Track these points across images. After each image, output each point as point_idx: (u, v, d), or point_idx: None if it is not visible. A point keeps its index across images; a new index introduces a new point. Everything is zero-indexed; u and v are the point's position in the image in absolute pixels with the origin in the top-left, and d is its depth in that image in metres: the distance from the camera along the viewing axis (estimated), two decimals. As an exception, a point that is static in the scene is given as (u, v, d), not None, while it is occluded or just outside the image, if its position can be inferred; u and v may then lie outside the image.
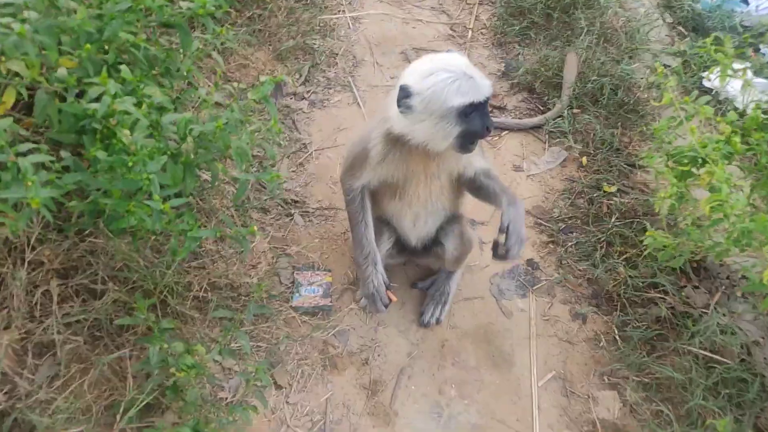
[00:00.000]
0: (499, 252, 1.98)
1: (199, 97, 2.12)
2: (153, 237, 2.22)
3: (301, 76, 3.38)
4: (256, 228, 2.60)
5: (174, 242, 1.88)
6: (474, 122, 1.80)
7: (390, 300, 2.19)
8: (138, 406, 1.82)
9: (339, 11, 3.85)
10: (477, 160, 2.08)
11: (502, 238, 1.96)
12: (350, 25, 3.78)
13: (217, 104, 2.50)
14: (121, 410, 1.87)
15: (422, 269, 2.63)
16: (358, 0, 3.97)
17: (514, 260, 2.01)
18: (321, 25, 3.70)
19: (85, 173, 1.80)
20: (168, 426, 1.91)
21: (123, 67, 1.77)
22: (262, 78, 1.98)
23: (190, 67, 2.25)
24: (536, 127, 3.26)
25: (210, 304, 2.24)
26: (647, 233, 2.03)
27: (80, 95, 1.79)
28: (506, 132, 3.25)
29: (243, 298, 2.34)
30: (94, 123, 1.72)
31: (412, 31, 3.83)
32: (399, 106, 1.81)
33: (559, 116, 3.21)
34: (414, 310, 2.50)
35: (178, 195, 1.89)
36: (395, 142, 1.96)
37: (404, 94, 1.79)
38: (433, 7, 4.03)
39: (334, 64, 3.47)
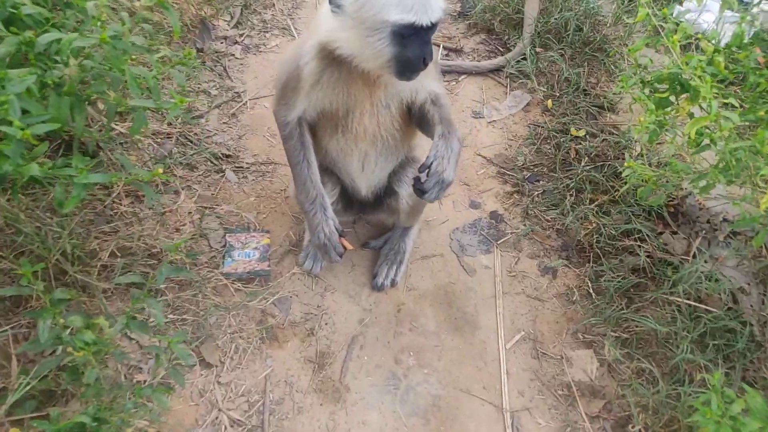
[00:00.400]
0: (417, 188, 1.66)
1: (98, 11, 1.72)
2: (47, 195, 1.86)
3: (232, 18, 3.00)
4: (171, 177, 2.26)
5: (60, 191, 1.53)
6: (410, 48, 1.49)
7: (344, 248, 1.86)
8: (20, 391, 1.48)
9: (274, -51, 3.46)
10: (430, 83, 1.74)
11: (423, 176, 1.64)
12: (289, -37, 3.39)
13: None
14: (7, 399, 1.53)
15: (374, 227, 2.34)
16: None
17: (433, 201, 1.69)
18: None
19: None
20: (67, 415, 1.58)
21: None
22: None
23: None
24: (496, 70, 2.97)
25: (118, 269, 1.89)
26: (626, 163, 1.77)
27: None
28: (464, 76, 2.95)
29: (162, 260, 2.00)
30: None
31: (358, -28, 3.47)
32: (330, 2, 1.49)
33: (522, 57, 2.93)
34: (365, 272, 2.21)
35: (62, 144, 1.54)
36: (331, 59, 1.62)
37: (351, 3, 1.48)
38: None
39: (271, 5, 3.10)
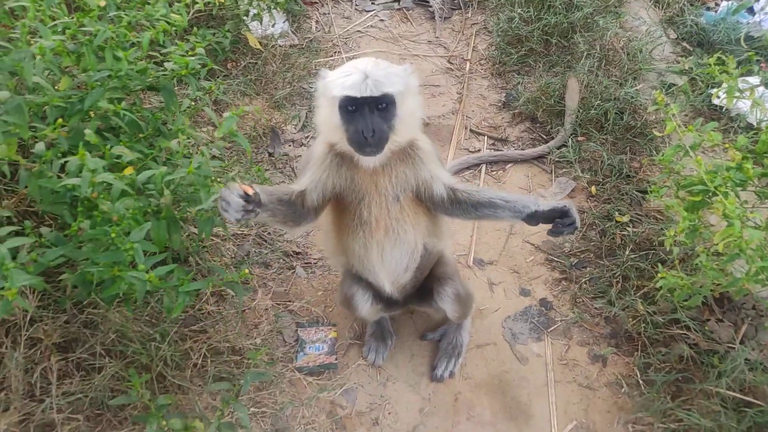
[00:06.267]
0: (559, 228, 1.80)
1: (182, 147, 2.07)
2: (147, 305, 2.18)
3: (299, 121, 3.35)
4: (251, 283, 2.55)
5: (167, 300, 1.83)
6: (356, 123, 1.70)
7: (245, 192, 1.63)
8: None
9: (334, 53, 3.84)
10: (442, 173, 1.93)
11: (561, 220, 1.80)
12: (347, 66, 3.75)
13: (214, 157, 2.47)
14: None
15: (431, 319, 2.53)
16: (353, 40, 3.96)
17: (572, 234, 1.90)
18: (317, 68, 3.68)
19: (67, 247, 1.77)
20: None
21: (87, 131, 1.74)
22: (226, 114, 1.95)
23: (179, 127, 2.23)
24: (540, 158, 3.17)
25: (210, 370, 2.17)
26: (659, 274, 1.91)
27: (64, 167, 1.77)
28: (510, 165, 3.16)
29: (246, 361, 2.27)
30: (77, 194, 1.69)
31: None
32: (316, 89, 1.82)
33: (563, 145, 3.12)
34: (424, 362, 2.40)
35: (164, 259, 1.84)
36: (336, 148, 1.85)
37: (319, 79, 1.81)
38: (429, 41, 4.00)
39: (332, 108, 3.43)
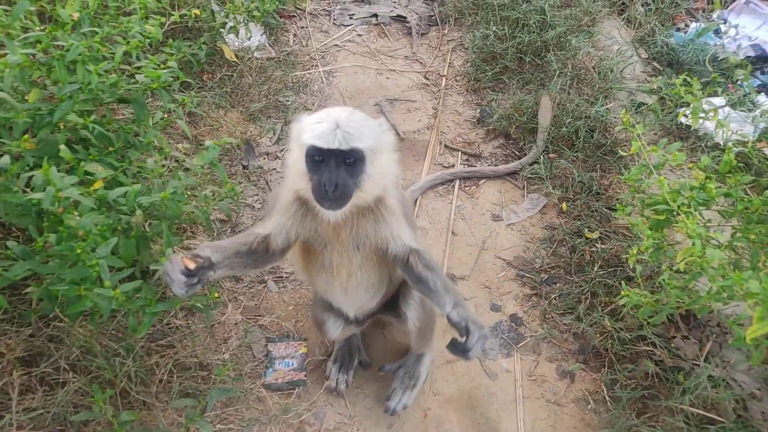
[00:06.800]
0: (460, 350, 1.72)
1: (157, 166, 2.06)
2: (114, 319, 2.15)
3: (274, 134, 3.35)
4: (221, 296, 2.54)
5: (132, 320, 1.82)
6: (320, 174, 1.63)
7: (186, 267, 1.62)
8: None
9: (311, 66, 3.85)
10: (403, 233, 1.85)
11: (460, 339, 1.71)
12: (323, 79, 3.77)
13: (186, 170, 2.47)
14: None
15: (389, 351, 2.48)
16: (330, 54, 3.98)
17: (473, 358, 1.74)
18: (294, 81, 3.69)
19: (33, 262, 1.75)
20: None
21: (62, 147, 1.72)
22: (208, 143, 1.95)
23: (150, 139, 2.23)
24: (513, 174, 3.20)
25: (175, 386, 2.14)
26: (623, 292, 1.94)
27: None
28: (483, 180, 3.19)
29: (213, 376, 2.24)
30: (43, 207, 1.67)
31: (386, 82, 3.82)
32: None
33: (535, 162, 3.16)
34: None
35: (132, 274, 1.83)
36: (300, 194, 1.80)
37: (294, 121, 1.75)
38: (406, 56, 4.03)
39: (307, 122, 3.44)
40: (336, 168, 1.62)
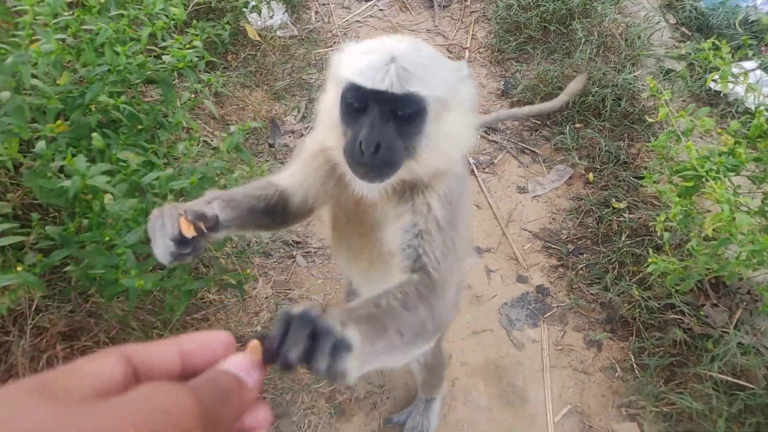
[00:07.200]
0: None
1: (184, 150, 2.12)
2: (151, 293, 2.23)
3: (299, 112, 3.38)
4: (255, 272, 2.60)
5: (170, 297, 1.88)
6: (357, 127, 1.13)
7: (181, 233, 1.13)
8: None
9: (334, 43, 3.85)
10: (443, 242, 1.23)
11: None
12: (346, 56, 3.76)
13: (215, 149, 2.52)
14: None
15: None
16: (353, 30, 3.97)
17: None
18: (317, 59, 3.70)
19: (71, 248, 1.81)
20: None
21: (94, 135, 1.78)
22: (233, 128, 1.98)
23: (178, 120, 2.28)
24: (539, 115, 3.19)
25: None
26: (650, 259, 1.94)
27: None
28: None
29: (246, 349, 2.31)
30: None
31: (408, 56, 3.79)
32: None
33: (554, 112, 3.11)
34: (421, 347, 2.43)
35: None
36: (328, 154, 1.31)
37: (337, 52, 1.26)
38: (428, 29, 4.00)
39: (331, 99, 3.46)
40: (382, 121, 1.11)
